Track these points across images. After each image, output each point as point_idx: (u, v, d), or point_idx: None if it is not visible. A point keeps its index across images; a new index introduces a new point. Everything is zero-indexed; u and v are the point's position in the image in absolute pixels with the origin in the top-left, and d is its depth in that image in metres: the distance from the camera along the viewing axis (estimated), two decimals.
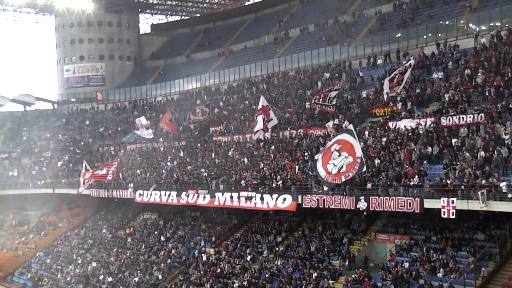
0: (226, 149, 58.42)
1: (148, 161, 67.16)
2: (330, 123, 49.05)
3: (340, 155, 39.49)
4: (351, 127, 40.89)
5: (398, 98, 47.60)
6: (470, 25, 54.53)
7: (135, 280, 54.36)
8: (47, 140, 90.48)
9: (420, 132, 41.95)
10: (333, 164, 39.96)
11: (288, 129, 54.46)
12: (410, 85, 48.62)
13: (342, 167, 39.60)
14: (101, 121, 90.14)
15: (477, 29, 52.96)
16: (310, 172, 45.07)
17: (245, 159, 53.98)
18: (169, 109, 71.90)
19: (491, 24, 51.60)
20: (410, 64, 47.35)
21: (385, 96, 47.53)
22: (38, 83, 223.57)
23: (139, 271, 55.80)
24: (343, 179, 39.49)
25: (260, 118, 52.90)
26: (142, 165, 66.65)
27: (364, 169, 39.16)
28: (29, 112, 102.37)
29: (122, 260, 59.89)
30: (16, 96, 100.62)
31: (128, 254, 60.65)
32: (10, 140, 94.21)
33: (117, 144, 77.48)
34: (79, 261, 65.54)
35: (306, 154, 48.14)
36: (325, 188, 41.78)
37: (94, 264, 62.58)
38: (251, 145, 56.05)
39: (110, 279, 57.34)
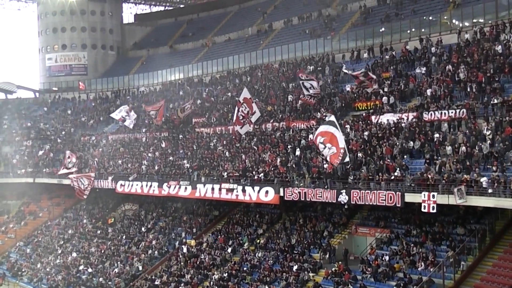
0: (208, 141, 58.40)
1: (130, 152, 67.01)
2: None
3: (324, 147, 39.57)
4: (333, 118, 40.89)
5: (381, 92, 47.81)
6: (454, 20, 54.76)
7: (115, 271, 54.33)
8: (28, 129, 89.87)
9: (402, 126, 42.13)
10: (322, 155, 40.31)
11: (271, 121, 54.51)
12: (393, 79, 48.81)
13: (326, 157, 39.88)
14: (83, 111, 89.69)
15: (460, 25, 53.18)
16: (292, 165, 45.20)
17: (227, 151, 53.97)
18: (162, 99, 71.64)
19: (474, 21, 51.87)
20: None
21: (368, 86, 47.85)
22: (19, 71, 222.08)
23: (119, 262, 55.76)
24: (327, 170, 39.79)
25: (236, 110, 52.42)
26: (124, 156, 66.49)
27: (347, 159, 39.18)
28: (10, 100, 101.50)
29: (102, 251, 59.79)
30: None
31: (108, 245, 60.55)
32: None
33: (99, 134, 77.14)
34: (59, 251, 65.23)
35: (288, 147, 48.21)
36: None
37: (74, 254, 62.35)
38: (233, 137, 56.05)
39: (90, 270, 57.18)
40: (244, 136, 54.48)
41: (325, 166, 41.69)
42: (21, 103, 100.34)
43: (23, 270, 65.38)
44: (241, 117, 51.82)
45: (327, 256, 41.89)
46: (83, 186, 62.73)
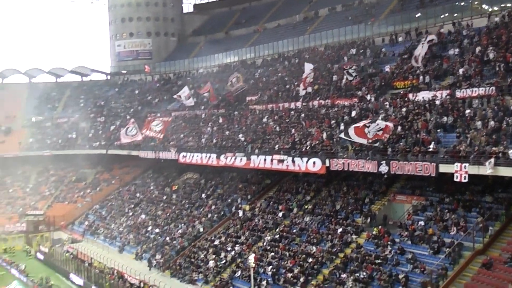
0: (261, 117, 58.58)
1: (190, 127, 67.68)
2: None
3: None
4: None
5: (417, 72, 47.24)
6: (484, 5, 53.42)
7: (179, 232, 55.35)
8: (101, 107, 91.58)
9: (437, 103, 41.67)
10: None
11: (317, 99, 54.38)
12: (428, 60, 48.10)
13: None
14: (148, 91, 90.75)
15: (490, 9, 51.97)
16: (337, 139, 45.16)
17: (278, 126, 54.12)
18: (210, 81, 71.88)
19: (502, 5, 50.57)
20: (429, 40, 47.03)
21: (414, 63, 47.12)
22: (93, 57, 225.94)
23: (183, 224, 56.76)
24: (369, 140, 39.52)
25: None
26: (185, 130, 67.20)
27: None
28: (85, 83, 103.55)
29: (168, 214, 60.88)
30: (74, 68, 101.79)
31: (173, 209, 61.62)
32: (69, 106, 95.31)
33: (163, 111, 78.06)
34: (130, 213, 66.73)
35: (332, 122, 48.15)
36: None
37: (143, 216, 63.68)
38: (283, 114, 56.14)
39: (157, 230, 58.41)
40: (292, 112, 54.65)
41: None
42: (94, 84, 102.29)
43: (99, 229, 67.11)
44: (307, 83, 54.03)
45: (368, 220, 41.84)
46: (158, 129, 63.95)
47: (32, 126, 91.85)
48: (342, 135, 42.06)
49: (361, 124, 40.27)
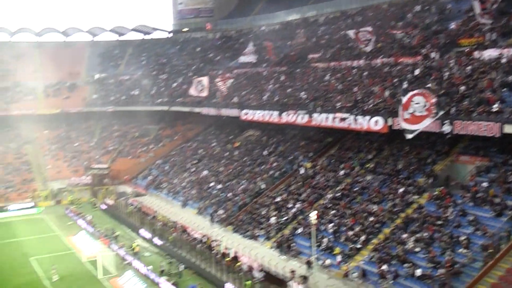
0: (323, 75, 58.58)
1: (252, 84, 68.27)
2: None
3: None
4: None
5: (484, 29, 46.27)
6: None
7: (241, 188, 56.48)
8: (163, 65, 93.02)
9: (503, 61, 40.90)
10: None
11: (380, 57, 53.99)
12: (495, 16, 46.95)
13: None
14: (210, 48, 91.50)
15: None
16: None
17: (340, 84, 54.11)
18: (271, 39, 71.97)
19: None
20: None
21: (477, 17, 46.13)
22: (154, 15, 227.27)
23: (245, 180, 57.84)
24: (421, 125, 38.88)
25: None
26: (247, 88, 67.83)
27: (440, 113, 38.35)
28: (147, 41, 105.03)
29: (230, 170, 62.06)
30: (136, 26, 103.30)
31: (235, 165, 62.76)
32: (131, 64, 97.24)
33: (225, 68, 78.77)
34: (192, 169, 68.27)
35: (395, 80, 47.86)
36: None
37: (205, 172, 65.09)
38: (345, 72, 56.04)
39: (219, 186, 59.71)
40: (355, 71, 54.52)
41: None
42: (156, 42, 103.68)
43: (162, 184, 69.03)
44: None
45: (430, 181, 41.78)
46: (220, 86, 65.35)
47: (95, 83, 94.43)
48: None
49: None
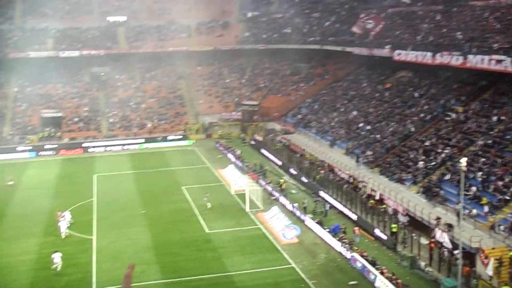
0: (481, 13, 55.89)
1: (406, 23, 66.55)
2: None
3: None
4: None
5: None
6: None
7: (390, 130, 56.15)
8: (316, 3, 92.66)
9: None
10: None
11: None
12: None
13: None
14: None
15: None
16: None
17: (499, 24, 51.42)
18: None
19: None
20: None
21: None
22: None
23: (394, 122, 57.34)
24: None
25: None
26: (401, 27, 66.31)
27: None
28: None
29: (379, 112, 61.68)
30: None
31: (384, 107, 62.24)
32: (284, 2, 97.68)
33: (379, 7, 77.06)
34: (342, 109, 68.56)
35: None
36: None
37: (354, 113, 65.15)
38: (505, 10, 53.05)
39: (368, 127, 59.68)
40: None
41: None
42: None
43: (311, 122, 70.07)
44: None
45: None
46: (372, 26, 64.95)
47: (248, 21, 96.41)
48: None
49: None
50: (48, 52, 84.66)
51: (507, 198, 37.17)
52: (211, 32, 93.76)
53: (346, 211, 44.28)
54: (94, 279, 34.50)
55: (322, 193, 48.53)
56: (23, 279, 34.97)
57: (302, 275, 33.98)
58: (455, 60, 51.01)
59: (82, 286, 33.66)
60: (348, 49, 71.51)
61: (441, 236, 34.14)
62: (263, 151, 66.29)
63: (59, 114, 76.93)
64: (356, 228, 40.45)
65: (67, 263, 36.51)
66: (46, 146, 70.66)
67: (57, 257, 35.50)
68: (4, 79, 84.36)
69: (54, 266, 35.39)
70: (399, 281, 30.95)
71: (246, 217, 45.02)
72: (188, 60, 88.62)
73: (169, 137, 73.66)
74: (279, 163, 60.83)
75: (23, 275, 35.52)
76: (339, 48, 74.51)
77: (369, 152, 54.25)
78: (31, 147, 70.27)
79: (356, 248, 36.02)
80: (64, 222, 42.45)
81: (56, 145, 71.08)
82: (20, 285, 34.25)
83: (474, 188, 39.48)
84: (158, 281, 33.62)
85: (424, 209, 39.13)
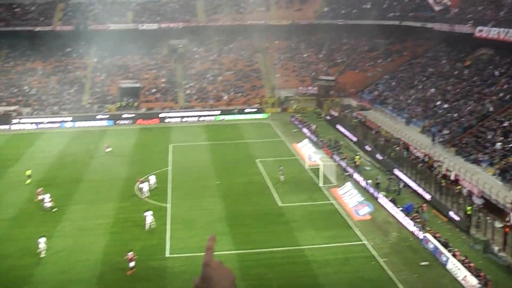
0: None
1: None
2: None
3: None
4: None
5: None
6: None
7: (468, 109, 54.97)
8: None
9: None
10: None
11: None
12: None
13: None
14: None
15: None
16: None
17: None
18: None
19: None
20: None
21: None
22: None
23: (472, 101, 56.06)
24: None
25: None
26: (484, 2, 64.41)
27: None
28: None
29: (457, 90, 60.37)
30: None
31: (463, 85, 60.84)
32: None
33: None
34: (420, 86, 67.40)
35: None
36: None
37: (432, 90, 63.96)
38: None
39: (446, 106, 58.57)
40: None
41: None
42: None
43: (388, 99, 69.32)
44: None
45: None
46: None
47: None
48: None
49: None
50: (128, 24, 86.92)
51: None
52: (290, 6, 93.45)
53: (420, 190, 43.93)
54: (167, 246, 35.90)
55: (396, 171, 48.27)
56: (100, 242, 36.80)
57: (373, 253, 34.22)
58: None
59: (156, 251, 35.03)
60: (429, 25, 70.07)
61: None
62: (339, 126, 66.15)
63: (137, 85, 79.13)
64: (424, 205, 40.20)
65: (143, 229, 38.05)
66: (124, 115, 73.01)
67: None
68: (84, 50, 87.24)
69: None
70: (471, 264, 30.70)
71: (319, 192, 45.36)
72: (266, 33, 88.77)
73: (245, 110, 74.47)
74: (354, 139, 60.68)
75: (99, 238, 37.37)
76: (418, 24, 73.06)
77: (445, 131, 53.35)
78: (108, 116, 72.80)
79: (429, 229, 35.79)
80: (147, 184, 44.77)
81: (134, 115, 73.35)
82: (96, 247, 36.05)
83: None
84: (230, 252, 34.50)
85: (500, 192, 38.46)
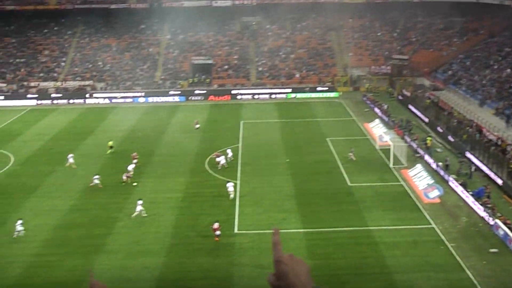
0: None
1: None
2: None
3: None
4: None
5: None
6: None
7: None
8: None
9: None
10: None
11: None
12: None
13: None
14: None
15: None
16: None
17: None
18: None
19: None
20: None
21: None
22: None
23: None
24: None
25: None
26: None
27: None
28: None
29: None
30: None
31: None
32: None
33: None
34: (495, 67, 65.62)
35: None
36: None
37: (508, 70, 62.21)
38: None
39: None
40: None
41: None
42: None
43: (461, 80, 67.76)
44: None
45: None
46: None
47: None
48: None
49: None
50: (201, 1, 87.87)
51: None
52: None
53: (491, 174, 43.08)
54: (236, 222, 36.61)
55: (468, 154, 47.43)
56: (169, 215, 37.90)
57: (442, 237, 33.92)
58: None
59: (225, 227, 35.52)
60: (507, 2, 67.92)
61: None
62: (411, 107, 65.22)
63: (210, 61, 79.95)
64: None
65: (212, 204, 38.96)
66: (196, 92, 74.14)
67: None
68: (158, 27, 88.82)
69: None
70: None
71: (389, 173, 45.11)
72: (340, 12, 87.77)
73: (317, 88, 74.33)
74: (426, 120, 59.76)
75: (169, 211, 38.46)
76: (496, 1, 70.91)
77: None
78: (180, 92, 74.06)
79: (500, 215, 35.18)
80: (223, 157, 46.42)
81: (205, 91, 74.45)
82: (166, 220, 37.22)
83: None
84: (297, 230, 35.01)
85: None
